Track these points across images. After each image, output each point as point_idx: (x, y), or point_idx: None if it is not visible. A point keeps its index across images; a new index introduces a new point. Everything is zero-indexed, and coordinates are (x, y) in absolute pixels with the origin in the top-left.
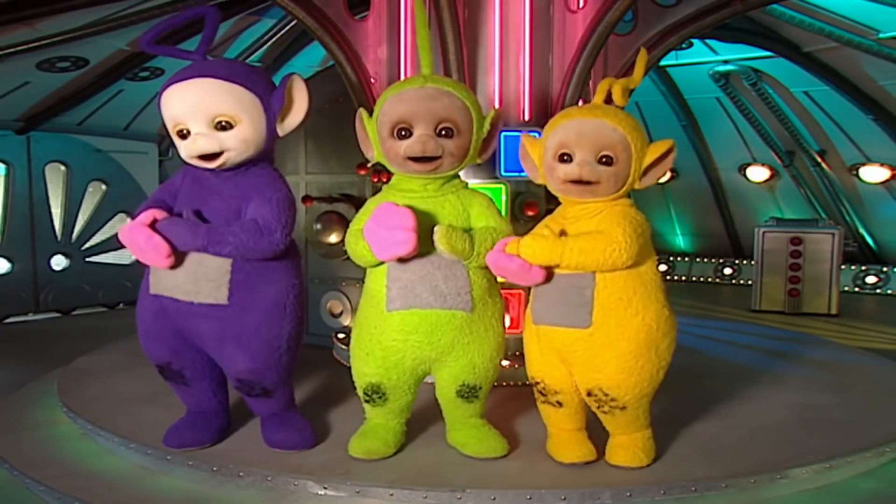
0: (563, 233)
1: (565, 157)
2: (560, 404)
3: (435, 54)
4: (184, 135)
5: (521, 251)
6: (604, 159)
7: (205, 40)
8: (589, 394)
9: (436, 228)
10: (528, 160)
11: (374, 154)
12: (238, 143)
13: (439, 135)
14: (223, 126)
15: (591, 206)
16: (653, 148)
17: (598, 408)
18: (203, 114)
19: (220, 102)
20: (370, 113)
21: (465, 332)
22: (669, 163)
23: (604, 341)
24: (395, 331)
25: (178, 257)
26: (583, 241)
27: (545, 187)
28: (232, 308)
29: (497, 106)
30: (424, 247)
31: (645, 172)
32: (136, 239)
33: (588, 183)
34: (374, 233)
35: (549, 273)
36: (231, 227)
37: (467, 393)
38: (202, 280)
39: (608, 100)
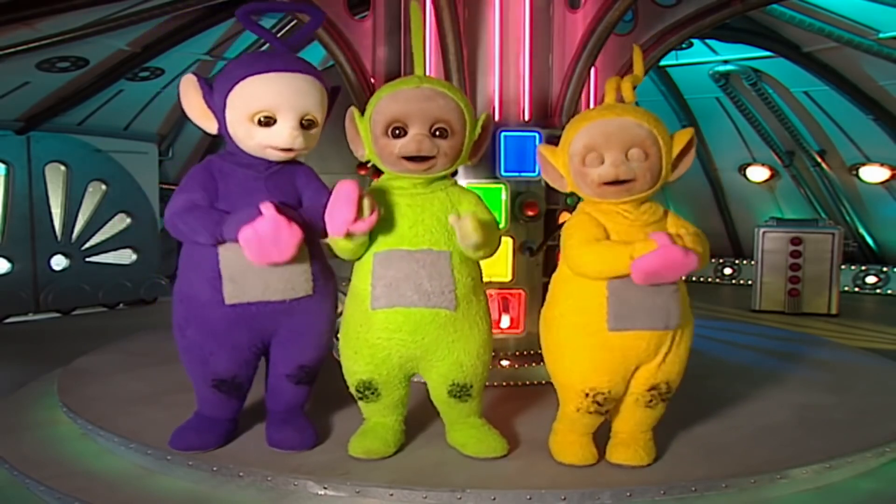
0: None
1: (594, 161)
2: (608, 412)
3: (435, 54)
4: (266, 123)
5: (688, 243)
6: (634, 156)
7: (301, 35)
8: (652, 388)
9: (464, 218)
10: (550, 170)
11: (364, 153)
12: (313, 143)
13: (434, 135)
14: (306, 125)
15: (650, 207)
16: (677, 138)
17: (649, 402)
18: (298, 109)
19: (313, 101)
20: (361, 112)
21: (449, 330)
22: (693, 153)
23: (683, 339)
24: (380, 329)
25: None
26: (700, 238)
27: (545, 187)
28: (316, 298)
29: (497, 106)
30: (410, 243)
31: (674, 165)
32: (280, 232)
33: (625, 182)
34: (329, 214)
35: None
36: (314, 208)
37: (459, 392)
38: (294, 276)
39: (619, 98)
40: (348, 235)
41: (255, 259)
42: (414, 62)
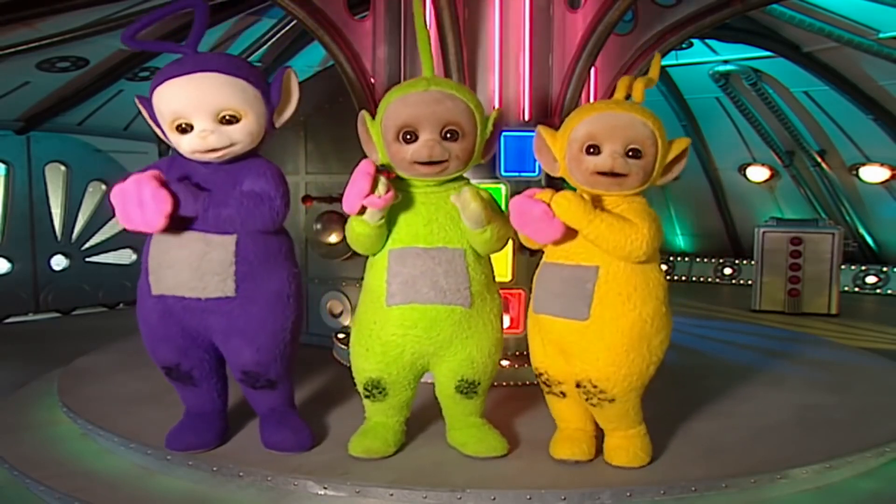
0: None
1: (592, 150)
2: (563, 395)
3: (435, 54)
4: (184, 129)
5: (553, 200)
6: (631, 152)
7: (195, 33)
8: (578, 385)
9: (462, 190)
10: (545, 152)
11: (377, 157)
12: (244, 137)
13: (445, 138)
14: (227, 120)
15: (610, 199)
16: (675, 145)
17: (588, 400)
18: (208, 108)
19: (225, 97)
20: (372, 115)
21: (463, 327)
22: (685, 161)
23: (597, 334)
24: (395, 325)
25: (172, 234)
26: (614, 218)
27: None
28: (239, 300)
29: (497, 105)
30: (425, 241)
31: (665, 170)
32: (142, 190)
33: (618, 175)
34: (346, 191)
35: (564, 236)
36: (231, 193)
37: (466, 388)
38: (207, 275)
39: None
40: (362, 213)
41: (122, 220)
42: (422, 63)
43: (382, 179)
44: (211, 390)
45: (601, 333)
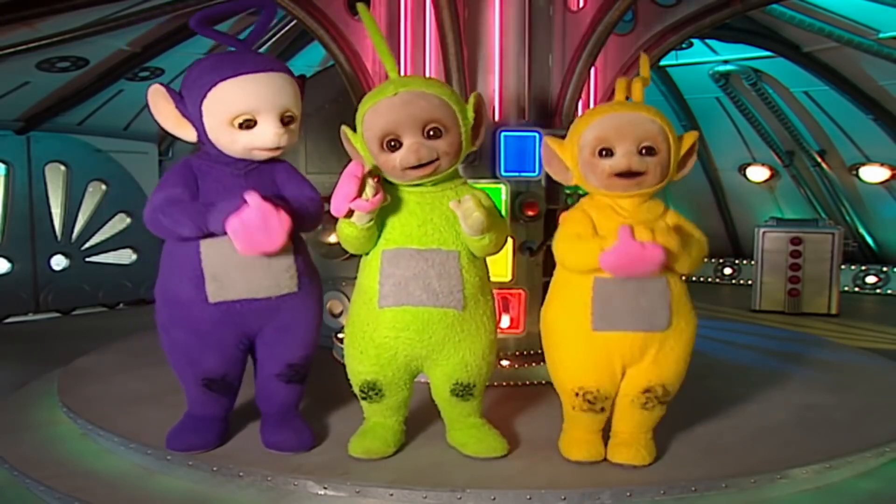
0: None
1: (605, 152)
2: (604, 410)
3: (435, 54)
4: (248, 126)
5: (658, 238)
6: (645, 150)
7: (258, 31)
8: (646, 391)
9: (464, 198)
10: (555, 162)
11: (369, 168)
12: (293, 139)
13: (428, 137)
14: (287, 121)
15: (651, 205)
16: (685, 139)
17: (644, 404)
18: (277, 108)
19: (289, 98)
20: (353, 128)
21: (456, 329)
22: (695, 156)
23: (676, 340)
24: (387, 327)
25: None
26: (687, 239)
27: (545, 187)
28: (301, 295)
29: (497, 106)
30: (419, 242)
31: (680, 165)
32: (269, 218)
33: (636, 174)
34: (334, 192)
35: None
36: (298, 201)
37: (461, 391)
38: (279, 272)
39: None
40: (350, 215)
41: (245, 249)
42: (386, 67)
43: (370, 182)
44: (234, 399)
45: (679, 340)
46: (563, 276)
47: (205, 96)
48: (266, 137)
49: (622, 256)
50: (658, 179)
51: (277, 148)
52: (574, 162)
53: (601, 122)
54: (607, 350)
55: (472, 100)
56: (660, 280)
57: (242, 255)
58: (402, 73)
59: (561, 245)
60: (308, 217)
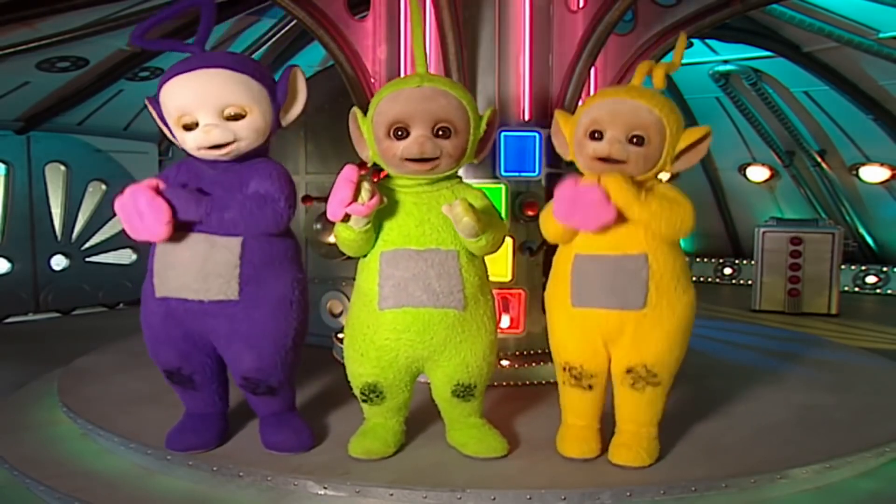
0: None
1: (596, 135)
2: (591, 388)
3: (435, 54)
4: (190, 126)
5: (604, 182)
6: (634, 139)
7: (202, 32)
8: (629, 370)
9: (454, 203)
10: (559, 136)
11: (368, 154)
12: (250, 133)
13: (436, 135)
14: (232, 117)
15: (642, 182)
16: (688, 133)
17: (633, 384)
18: (213, 104)
19: (229, 93)
20: (364, 112)
21: (457, 330)
22: (705, 149)
23: (656, 321)
24: (388, 329)
25: (177, 236)
26: (660, 196)
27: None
28: (241, 304)
29: (497, 106)
30: (417, 242)
31: (677, 157)
32: (138, 201)
33: (615, 161)
34: (330, 196)
35: (611, 219)
36: (234, 196)
37: (462, 392)
38: (211, 276)
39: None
40: (346, 220)
41: (131, 233)
42: (415, 59)
43: (366, 186)
44: (212, 394)
45: (659, 320)
46: (557, 253)
47: (160, 101)
48: (198, 136)
49: (561, 199)
50: (641, 170)
51: (218, 146)
52: (572, 138)
53: (599, 105)
54: (586, 326)
55: (487, 112)
56: (637, 258)
57: (178, 253)
58: (403, 73)
59: (543, 215)
60: (252, 216)
